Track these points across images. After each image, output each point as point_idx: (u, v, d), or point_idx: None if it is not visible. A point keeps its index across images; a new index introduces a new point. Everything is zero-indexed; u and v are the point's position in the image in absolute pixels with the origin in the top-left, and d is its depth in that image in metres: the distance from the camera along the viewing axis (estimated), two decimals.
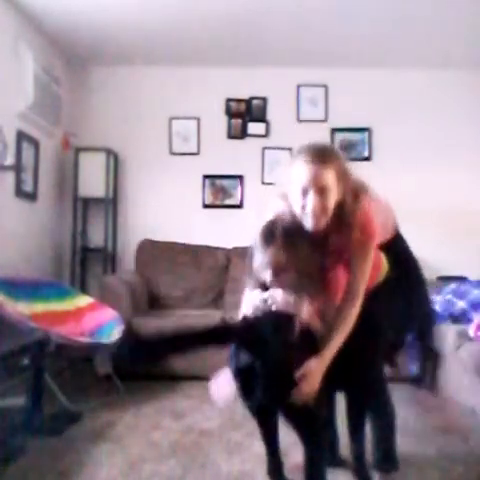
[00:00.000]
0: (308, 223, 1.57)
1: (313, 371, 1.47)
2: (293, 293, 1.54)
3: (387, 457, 1.78)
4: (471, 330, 2.73)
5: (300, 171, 1.56)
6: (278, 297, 1.54)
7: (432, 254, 4.14)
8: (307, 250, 1.57)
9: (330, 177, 1.55)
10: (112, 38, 3.80)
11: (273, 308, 1.53)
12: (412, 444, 2.24)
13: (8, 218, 3.34)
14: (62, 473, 1.92)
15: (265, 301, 1.55)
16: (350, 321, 1.55)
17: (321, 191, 1.54)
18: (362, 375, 1.71)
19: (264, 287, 1.60)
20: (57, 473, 1.92)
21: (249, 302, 1.59)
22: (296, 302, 1.52)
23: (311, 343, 1.53)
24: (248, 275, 1.66)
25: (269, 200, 1.77)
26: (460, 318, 3.02)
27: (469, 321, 2.88)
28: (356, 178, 1.67)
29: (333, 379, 1.55)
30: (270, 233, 1.58)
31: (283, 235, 1.56)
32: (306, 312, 1.51)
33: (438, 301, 3.17)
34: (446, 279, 3.68)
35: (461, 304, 3.06)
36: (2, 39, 3.25)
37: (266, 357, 1.45)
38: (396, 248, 1.77)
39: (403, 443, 2.22)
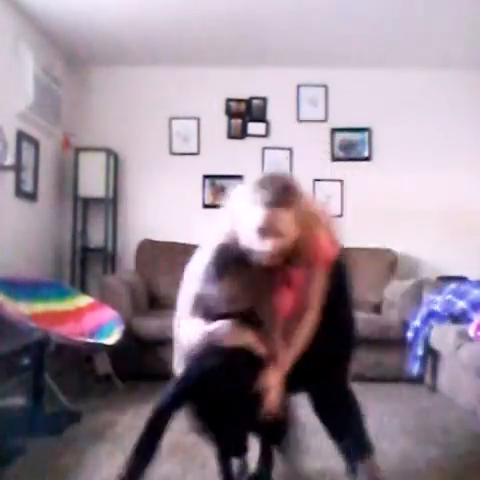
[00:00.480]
0: (261, 260, 1.53)
1: (273, 384, 1.51)
2: (242, 321, 1.49)
3: (362, 445, 1.77)
4: (471, 330, 2.73)
5: (258, 213, 1.48)
6: (223, 330, 1.48)
7: (432, 254, 4.15)
8: (258, 277, 1.52)
9: (289, 220, 1.49)
10: (112, 38, 3.81)
11: (219, 342, 1.47)
12: (412, 444, 2.23)
13: (8, 218, 3.34)
14: (62, 473, 1.92)
15: (210, 335, 1.48)
16: (305, 337, 1.59)
17: (278, 235, 1.49)
18: (329, 374, 1.73)
19: (207, 313, 1.53)
20: (57, 473, 1.92)
21: (192, 334, 1.53)
22: (241, 332, 1.48)
23: (261, 368, 1.52)
24: (188, 301, 1.61)
25: (215, 222, 1.69)
26: (460, 318, 3.02)
27: (469, 321, 2.88)
28: (310, 206, 1.63)
29: (294, 383, 1.58)
30: (223, 262, 1.50)
31: (236, 264, 1.50)
32: (253, 341, 1.49)
33: (438, 301, 3.17)
34: (446, 279, 3.67)
35: (461, 304, 3.06)
36: (2, 39, 3.24)
37: (225, 401, 1.44)
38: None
39: (403, 443, 2.23)
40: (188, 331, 1.56)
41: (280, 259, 1.55)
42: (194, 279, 1.59)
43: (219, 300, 1.50)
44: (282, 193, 1.49)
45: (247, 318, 1.50)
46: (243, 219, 1.54)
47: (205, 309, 1.55)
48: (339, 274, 1.71)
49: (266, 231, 1.48)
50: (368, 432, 1.77)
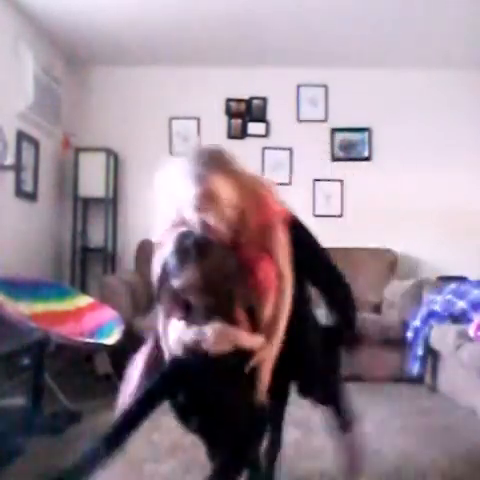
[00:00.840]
0: (213, 236, 1.46)
1: (267, 360, 1.45)
2: (222, 309, 1.42)
3: (343, 418, 1.74)
4: (471, 330, 2.73)
5: (191, 186, 1.42)
6: (209, 335, 1.39)
7: (432, 254, 4.15)
8: (224, 257, 1.44)
9: (224, 185, 1.43)
10: (112, 38, 3.81)
11: (206, 348, 1.39)
12: (412, 444, 2.23)
13: (8, 218, 3.34)
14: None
15: (195, 339, 1.40)
16: (287, 304, 1.52)
17: (218, 202, 1.43)
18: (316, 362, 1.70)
19: (183, 304, 1.47)
20: (57, 473, 1.91)
21: (175, 336, 1.45)
22: (227, 336, 1.40)
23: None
24: (163, 296, 1.50)
25: (158, 209, 1.60)
26: (460, 318, 3.02)
27: (469, 321, 2.88)
28: (247, 172, 1.56)
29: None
30: (184, 251, 1.41)
31: (197, 250, 1.40)
32: (242, 339, 1.42)
33: (438, 301, 3.17)
34: (446, 279, 3.67)
35: (461, 304, 3.06)
36: (2, 39, 3.25)
37: (220, 416, 1.40)
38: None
39: (403, 443, 2.23)
40: (170, 334, 1.48)
41: (232, 230, 1.47)
42: (159, 275, 1.49)
43: (186, 290, 1.42)
44: (211, 161, 1.46)
45: (229, 303, 1.44)
46: (180, 198, 1.48)
47: (179, 304, 1.48)
48: (299, 231, 1.67)
49: (204, 200, 1.42)
50: (350, 404, 1.74)
